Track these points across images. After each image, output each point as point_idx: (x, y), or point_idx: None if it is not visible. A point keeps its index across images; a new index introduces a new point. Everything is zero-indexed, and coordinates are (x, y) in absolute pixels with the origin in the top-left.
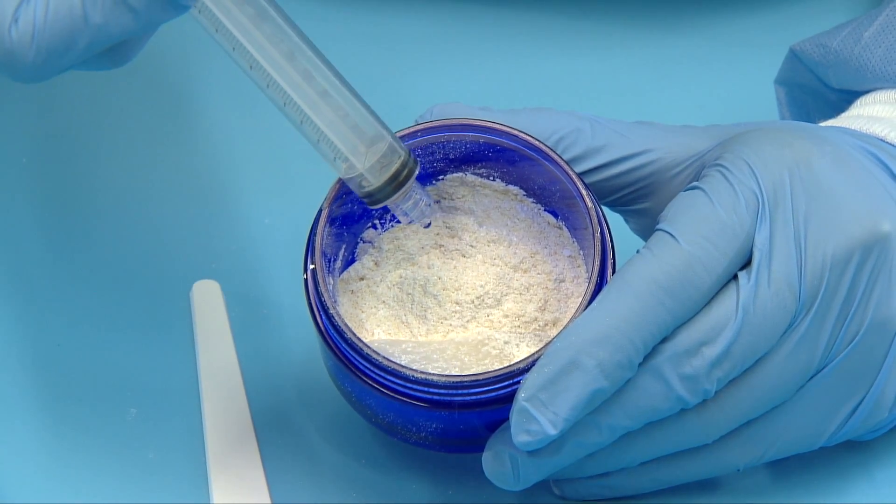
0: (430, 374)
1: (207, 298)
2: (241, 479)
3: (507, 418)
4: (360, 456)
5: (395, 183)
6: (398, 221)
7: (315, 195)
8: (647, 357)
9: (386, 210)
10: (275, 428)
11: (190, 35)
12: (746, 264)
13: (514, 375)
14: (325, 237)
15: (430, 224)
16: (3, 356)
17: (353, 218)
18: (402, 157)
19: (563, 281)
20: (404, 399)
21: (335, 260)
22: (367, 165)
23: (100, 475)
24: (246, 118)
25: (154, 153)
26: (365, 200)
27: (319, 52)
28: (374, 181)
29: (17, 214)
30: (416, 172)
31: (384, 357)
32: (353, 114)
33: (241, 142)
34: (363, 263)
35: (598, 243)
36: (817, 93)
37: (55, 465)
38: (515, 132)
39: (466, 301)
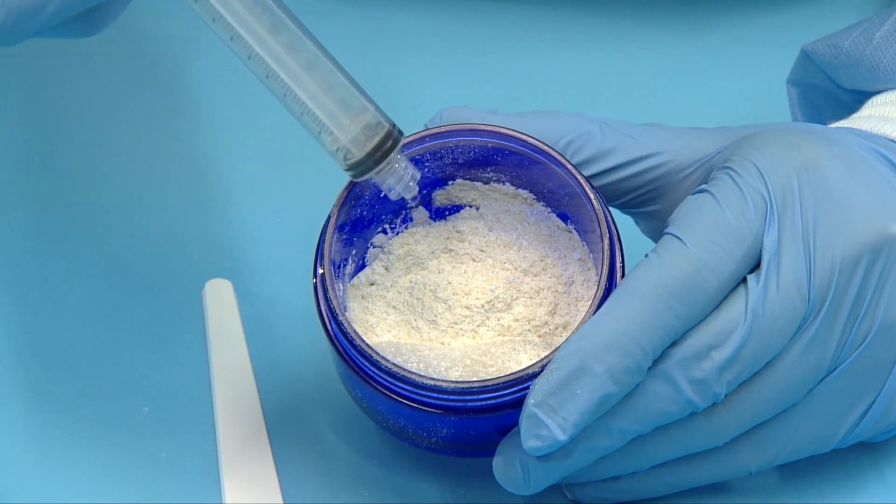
0: (439, 379)
1: (220, 297)
2: (253, 478)
3: (517, 423)
4: (373, 456)
5: (379, 153)
6: (407, 227)
7: (327, 194)
8: (657, 361)
9: (396, 214)
10: (287, 427)
11: (203, 34)
12: (755, 267)
13: (523, 381)
14: (334, 242)
15: (417, 199)
16: (15, 355)
17: (363, 223)
18: (386, 128)
19: (573, 284)
20: (414, 405)
21: (345, 265)
22: (349, 137)
23: (112, 474)
24: (258, 116)
25: (167, 152)
26: (349, 174)
27: (303, 26)
28: (357, 153)
29: (30, 213)
30: (401, 143)
31: (393, 363)
32: (337, 86)
33: (254, 140)
34: (373, 268)
35: (606, 247)
36: (829, 93)
37: (67, 464)
38: (523, 137)
39: (476, 305)
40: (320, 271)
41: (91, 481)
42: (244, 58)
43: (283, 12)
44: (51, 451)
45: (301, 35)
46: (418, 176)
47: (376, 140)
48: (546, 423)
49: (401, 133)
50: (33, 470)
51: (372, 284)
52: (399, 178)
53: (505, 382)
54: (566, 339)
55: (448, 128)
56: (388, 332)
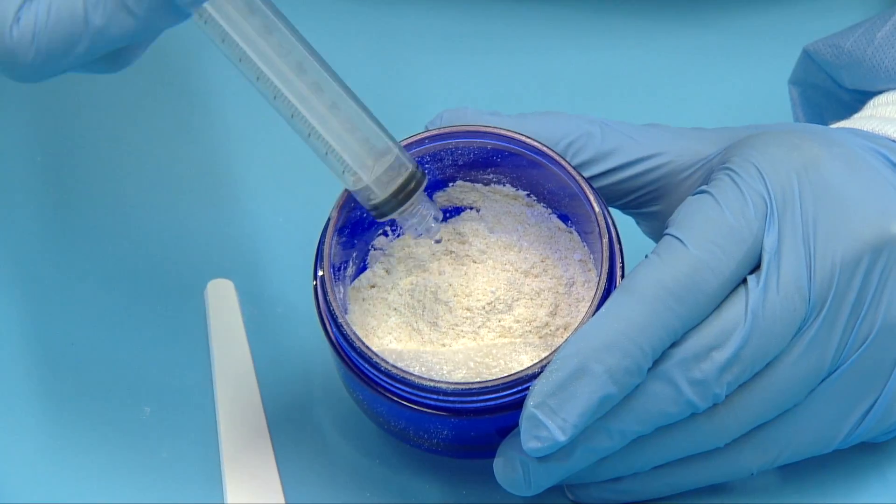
0: (438, 381)
1: (222, 297)
2: (255, 478)
3: (517, 424)
4: (374, 456)
5: (402, 195)
6: None
7: (329, 195)
8: (657, 362)
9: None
10: (289, 427)
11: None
12: (756, 268)
13: (523, 382)
14: (334, 245)
15: (440, 240)
16: (17, 355)
17: (363, 225)
18: (410, 170)
19: (573, 285)
20: (414, 407)
21: (346, 267)
22: (373, 178)
23: (114, 474)
24: (260, 117)
25: (168, 152)
26: (372, 213)
27: (327, 64)
28: (380, 193)
29: (33, 213)
30: (424, 185)
31: (393, 365)
32: (361, 127)
33: (256, 141)
34: (374, 271)
35: (606, 248)
36: (831, 93)
37: (69, 464)
38: (523, 138)
39: (477, 307)
40: (320, 273)
41: (93, 480)
42: (270, 98)
43: (308, 52)
44: (53, 451)
45: (325, 74)
46: (441, 217)
47: (400, 181)
48: (546, 424)
49: (424, 175)
50: (35, 469)
51: (373, 287)
52: (422, 219)
53: (505, 384)
54: (566, 340)
55: (448, 129)
56: (389, 334)
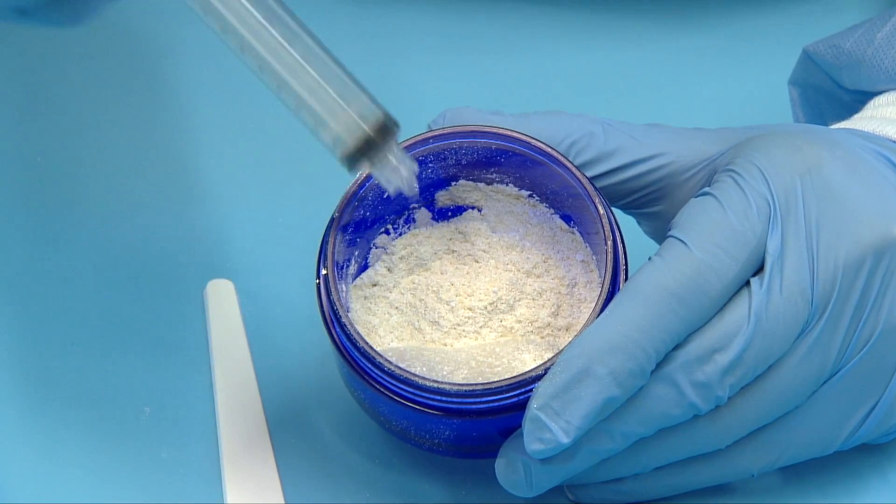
0: (442, 382)
1: (221, 297)
2: (254, 478)
3: (520, 425)
4: (374, 456)
5: (375, 144)
6: (410, 228)
7: (329, 194)
8: (660, 364)
9: (399, 215)
10: (288, 427)
11: (206, 35)
12: (759, 270)
13: (526, 384)
14: (337, 243)
15: (416, 196)
16: (17, 355)
17: (365, 224)
18: (382, 120)
19: (575, 286)
20: (416, 407)
21: (348, 265)
22: (344, 128)
23: (113, 474)
24: (260, 117)
25: (169, 153)
26: (344, 165)
27: (298, 18)
28: (351, 144)
29: (32, 214)
30: (397, 134)
31: (396, 366)
32: (333, 79)
33: (256, 140)
34: (376, 269)
35: (609, 249)
36: (831, 94)
37: (68, 464)
38: (526, 138)
39: (479, 307)
40: (323, 272)
41: (92, 481)
42: (237, 50)
43: (278, 5)
44: (52, 451)
45: (296, 28)
46: (416, 168)
47: (371, 131)
48: (549, 426)
49: (397, 125)
50: (34, 470)
51: (375, 285)
52: (394, 170)
53: (508, 385)
54: (569, 343)
55: (451, 129)
56: (391, 332)
